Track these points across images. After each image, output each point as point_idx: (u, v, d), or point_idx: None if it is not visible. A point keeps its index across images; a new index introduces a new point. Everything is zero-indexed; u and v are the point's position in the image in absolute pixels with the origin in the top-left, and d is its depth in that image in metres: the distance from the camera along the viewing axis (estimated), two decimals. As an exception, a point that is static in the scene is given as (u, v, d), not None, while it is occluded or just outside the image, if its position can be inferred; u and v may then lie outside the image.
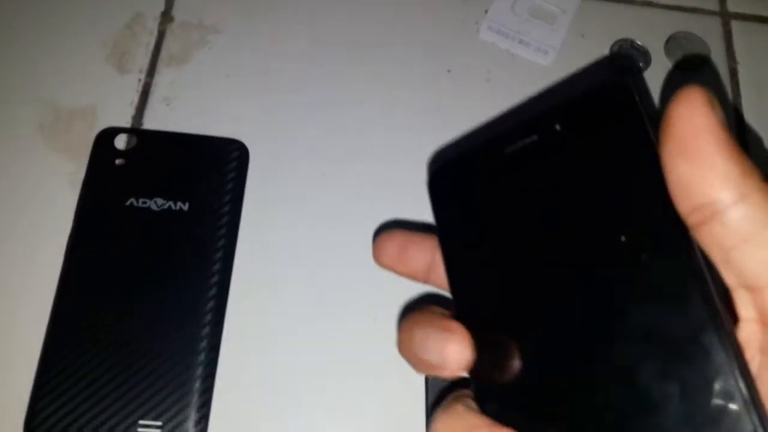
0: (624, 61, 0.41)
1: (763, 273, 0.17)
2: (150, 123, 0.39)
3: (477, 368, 0.21)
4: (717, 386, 0.17)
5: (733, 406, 0.17)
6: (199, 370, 0.33)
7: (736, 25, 0.44)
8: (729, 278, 0.18)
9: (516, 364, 0.21)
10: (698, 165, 0.17)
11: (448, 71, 0.42)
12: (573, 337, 0.20)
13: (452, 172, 0.24)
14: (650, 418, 0.18)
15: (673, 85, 0.42)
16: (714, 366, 0.17)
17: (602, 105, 0.21)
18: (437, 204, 0.24)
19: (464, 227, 0.23)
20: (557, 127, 0.21)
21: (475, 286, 0.22)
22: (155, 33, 0.42)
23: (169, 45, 0.41)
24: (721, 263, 0.18)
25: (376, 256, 0.25)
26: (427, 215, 0.29)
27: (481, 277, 0.22)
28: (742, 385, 0.17)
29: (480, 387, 0.21)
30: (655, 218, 0.19)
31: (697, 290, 0.18)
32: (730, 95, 0.42)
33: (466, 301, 0.22)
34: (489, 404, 0.21)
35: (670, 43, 0.43)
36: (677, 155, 0.17)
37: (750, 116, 0.41)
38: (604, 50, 0.42)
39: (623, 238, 0.19)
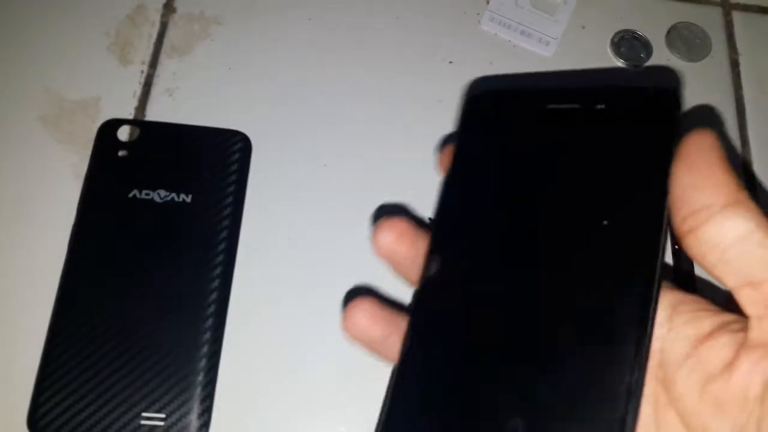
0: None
1: (764, 267, 0.18)
2: (153, 114, 0.39)
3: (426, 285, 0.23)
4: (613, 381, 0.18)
5: (615, 400, 0.18)
6: (203, 362, 0.33)
7: (737, 16, 0.44)
8: (729, 279, 0.19)
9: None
10: (700, 175, 0.19)
11: (450, 62, 0.42)
12: (512, 302, 0.21)
13: (492, 100, 0.25)
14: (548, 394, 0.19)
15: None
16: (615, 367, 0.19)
17: (648, 106, 0.22)
18: (465, 123, 0.26)
19: (480, 156, 0.24)
20: (599, 106, 0.22)
21: (461, 216, 0.24)
22: (157, 24, 0.42)
23: (172, 36, 0.41)
24: (719, 264, 0.19)
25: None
26: (427, 208, 0.29)
27: (472, 208, 0.23)
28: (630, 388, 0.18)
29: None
30: (642, 219, 0.20)
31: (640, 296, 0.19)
32: (731, 86, 0.42)
33: (446, 228, 0.24)
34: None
35: (672, 34, 0.43)
36: (683, 168, 0.20)
37: (751, 107, 0.41)
38: (605, 41, 0.42)
39: (605, 224, 0.21)
